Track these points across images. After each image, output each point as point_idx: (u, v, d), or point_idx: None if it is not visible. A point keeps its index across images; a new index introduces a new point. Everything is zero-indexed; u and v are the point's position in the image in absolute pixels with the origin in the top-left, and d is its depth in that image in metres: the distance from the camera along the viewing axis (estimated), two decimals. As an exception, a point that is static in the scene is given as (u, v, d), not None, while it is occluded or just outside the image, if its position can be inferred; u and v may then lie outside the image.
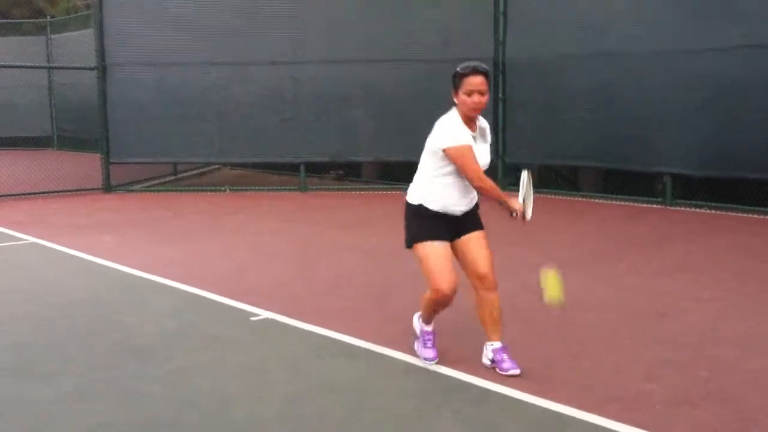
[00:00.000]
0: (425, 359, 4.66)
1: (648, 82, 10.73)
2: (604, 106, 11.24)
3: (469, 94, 4.35)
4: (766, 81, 9.65)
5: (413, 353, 4.80)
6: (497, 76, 12.34)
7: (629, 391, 4.23)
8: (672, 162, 10.61)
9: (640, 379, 4.40)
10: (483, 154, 4.51)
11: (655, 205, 10.73)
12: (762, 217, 9.70)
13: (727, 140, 10.05)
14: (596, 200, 11.53)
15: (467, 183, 4.48)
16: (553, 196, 11.99)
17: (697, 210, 10.34)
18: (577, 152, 11.66)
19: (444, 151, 4.40)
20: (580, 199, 11.74)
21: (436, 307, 4.57)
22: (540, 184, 13.02)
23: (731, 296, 6.16)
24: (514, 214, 4.51)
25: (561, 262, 7.33)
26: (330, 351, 4.98)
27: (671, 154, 10.60)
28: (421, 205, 4.53)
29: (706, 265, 7.26)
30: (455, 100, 4.44)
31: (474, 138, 4.46)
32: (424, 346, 4.72)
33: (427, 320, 4.75)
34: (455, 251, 4.56)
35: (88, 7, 20.43)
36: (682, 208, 10.47)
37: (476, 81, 4.35)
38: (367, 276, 6.94)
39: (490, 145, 4.66)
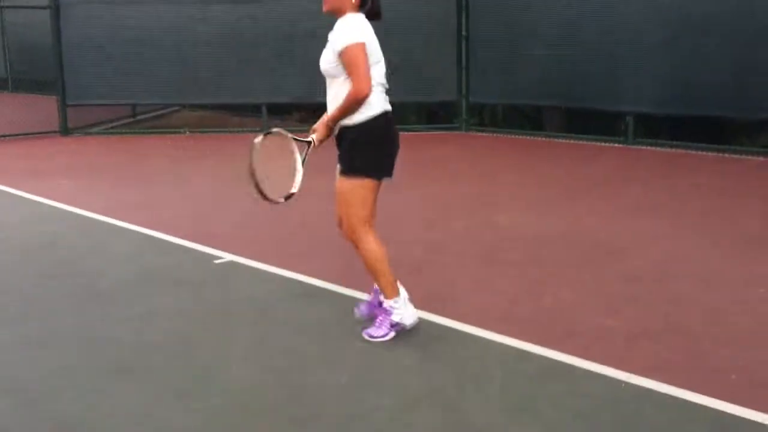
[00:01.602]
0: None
1: (612, 19, 10.67)
2: (567, 44, 11.18)
3: None
4: (728, 18, 9.65)
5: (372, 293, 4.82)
6: (460, 13, 12.19)
7: (591, 326, 4.31)
8: (634, 100, 10.64)
9: (601, 314, 4.48)
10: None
11: (617, 145, 10.80)
12: (722, 155, 9.81)
13: (689, 78, 10.07)
14: (559, 140, 11.58)
15: (336, 92, 4.07)
16: (516, 137, 12.01)
17: (659, 149, 10.43)
18: (541, 91, 11.63)
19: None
20: (544, 139, 11.77)
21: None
22: (504, 123, 13.07)
23: (690, 233, 6.26)
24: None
25: (523, 201, 7.44)
26: (292, 292, 5.00)
27: (634, 92, 10.61)
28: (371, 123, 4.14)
29: (665, 204, 7.36)
30: None
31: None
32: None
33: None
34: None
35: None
36: (645, 147, 10.56)
37: None
38: (327, 220, 6.91)
39: (337, 51, 3.98)
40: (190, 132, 12.97)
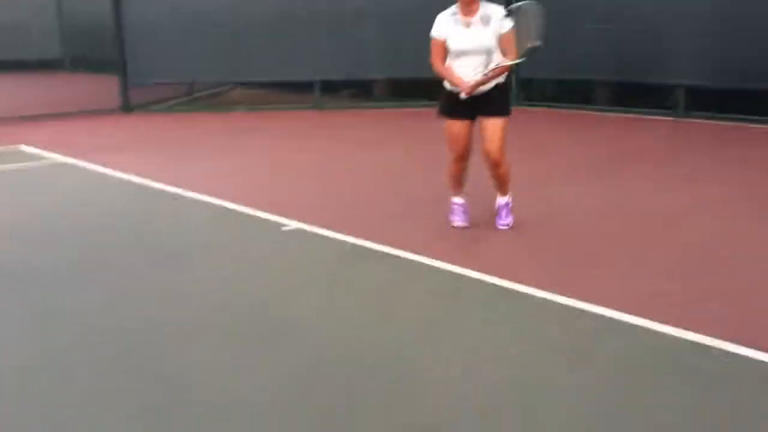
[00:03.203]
0: (453, 221, 5.74)
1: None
2: (616, 18, 11.23)
3: None
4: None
5: (440, 257, 5.06)
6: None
7: (642, 291, 4.49)
8: (685, 74, 10.66)
9: (653, 280, 4.67)
10: (470, 39, 5.27)
11: (667, 117, 10.85)
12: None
13: (739, 51, 10.07)
14: (609, 114, 11.65)
15: (476, 66, 5.28)
16: (566, 110, 12.11)
17: (710, 122, 10.45)
18: (591, 66, 11.70)
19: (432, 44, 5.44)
20: (593, 113, 11.85)
21: (452, 166, 5.65)
22: (553, 98, 13.15)
23: (738, 204, 6.39)
24: (462, 94, 5.27)
25: (571, 173, 7.61)
26: (359, 256, 5.27)
27: (684, 65, 10.64)
28: (443, 85, 5.52)
29: (713, 175, 7.47)
30: None
31: (467, 23, 5.28)
32: (453, 213, 5.76)
33: (453, 188, 5.75)
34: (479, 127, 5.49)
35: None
36: (695, 120, 10.59)
37: None
38: (388, 189, 7.19)
39: (504, 32, 5.27)
40: (246, 109, 13.31)
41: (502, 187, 5.67)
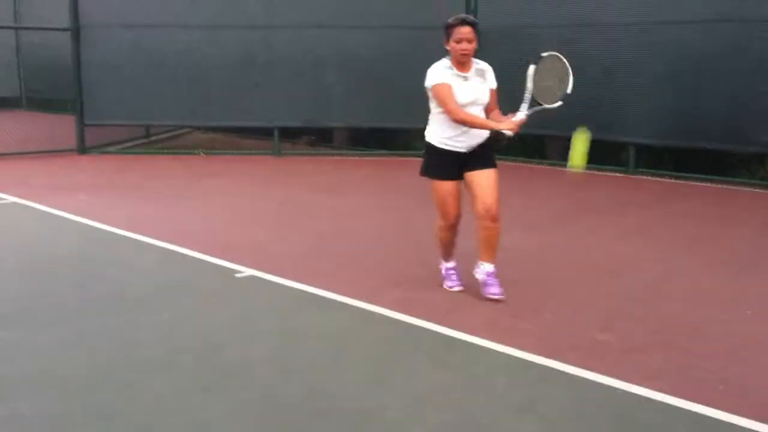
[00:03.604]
0: (449, 286, 5.51)
1: (614, 52, 11.07)
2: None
3: (458, 41, 5.06)
4: (727, 54, 10.05)
5: (390, 306, 5.14)
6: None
7: (588, 340, 4.63)
8: (635, 131, 11.01)
9: (596, 329, 4.81)
10: (471, 92, 5.18)
11: (618, 174, 11.16)
12: (721, 186, 10.16)
13: (688, 111, 10.47)
14: (562, 168, 11.93)
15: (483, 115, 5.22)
16: (519, 164, 12.37)
17: (659, 179, 10.78)
18: (544, 121, 11.95)
19: (429, 90, 5.16)
20: (547, 166, 12.14)
21: (443, 233, 5.42)
22: (507, 152, 13.42)
23: (682, 256, 6.61)
24: (508, 136, 5.13)
25: (523, 223, 7.78)
26: (311, 304, 5.32)
27: (635, 123, 11.00)
28: (429, 143, 5.31)
29: (660, 229, 7.71)
30: (447, 48, 5.15)
31: (465, 78, 5.16)
32: (448, 279, 5.54)
33: (444, 256, 5.56)
34: (466, 183, 5.28)
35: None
36: (645, 177, 10.91)
37: (464, 30, 5.07)
38: (342, 236, 7.27)
39: (493, 88, 5.39)
40: (204, 153, 13.35)
41: (492, 250, 5.26)
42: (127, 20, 12.97)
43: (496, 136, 5.11)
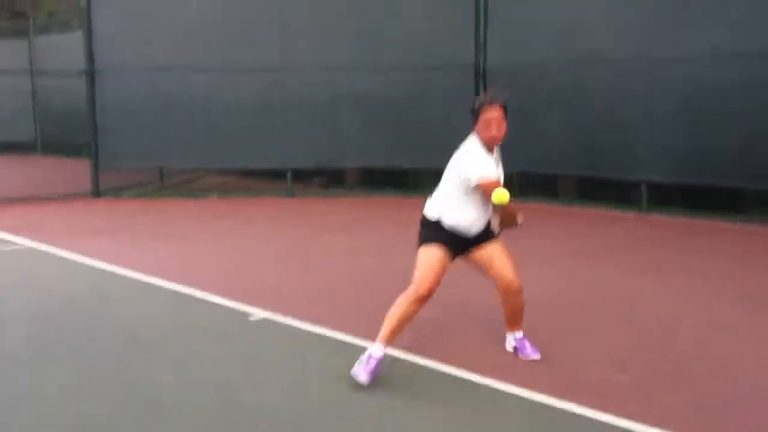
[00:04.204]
0: (365, 380, 4.55)
1: (626, 88, 11.08)
2: (581, 112, 11.61)
3: (488, 124, 4.65)
4: (740, 89, 10.00)
5: (405, 348, 5.13)
6: (478, 82, 12.71)
7: (600, 380, 4.60)
8: (647, 169, 10.98)
9: (611, 369, 4.78)
10: (501, 176, 4.84)
11: (630, 212, 11.14)
12: (736, 224, 10.09)
13: (701, 148, 10.42)
14: (573, 207, 11.93)
15: (488, 207, 4.83)
16: (530, 203, 12.35)
17: (673, 217, 10.75)
18: (555, 160, 12.03)
19: (477, 186, 4.65)
20: (558, 206, 12.13)
21: (413, 307, 4.68)
22: (518, 191, 13.44)
23: (697, 293, 6.58)
24: (519, 223, 5.01)
25: (537, 260, 7.76)
26: (325, 346, 5.32)
27: (647, 161, 10.97)
28: (435, 220, 4.77)
29: (675, 266, 7.68)
30: (474, 128, 4.75)
31: (495, 162, 4.80)
32: (370, 369, 4.58)
33: (391, 338, 4.72)
34: (474, 262, 4.93)
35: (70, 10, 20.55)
36: (657, 215, 10.88)
37: (494, 113, 4.65)
38: (356, 275, 7.28)
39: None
40: (218, 195, 13.43)
41: (519, 317, 5.05)
42: (142, 63, 13.15)
43: (512, 221, 4.99)
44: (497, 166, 4.81)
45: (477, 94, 12.73)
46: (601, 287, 6.88)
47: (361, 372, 4.54)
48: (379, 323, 5.45)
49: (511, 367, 4.83)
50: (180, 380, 4.67)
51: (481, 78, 12.74)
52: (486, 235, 4.91)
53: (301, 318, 5.87)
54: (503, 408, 4.25)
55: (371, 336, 5.31)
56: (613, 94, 11.23)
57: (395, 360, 4.99)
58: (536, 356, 5.01)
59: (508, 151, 13.62)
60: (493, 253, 4.86)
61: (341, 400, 4.35)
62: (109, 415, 4.14)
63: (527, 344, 5.08)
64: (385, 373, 4.70)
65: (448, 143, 13.66)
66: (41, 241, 9.06)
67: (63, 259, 8.22)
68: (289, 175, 13.40)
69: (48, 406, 4.28)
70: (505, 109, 4.69)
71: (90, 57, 13.25)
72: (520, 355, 5.04)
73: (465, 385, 4.58)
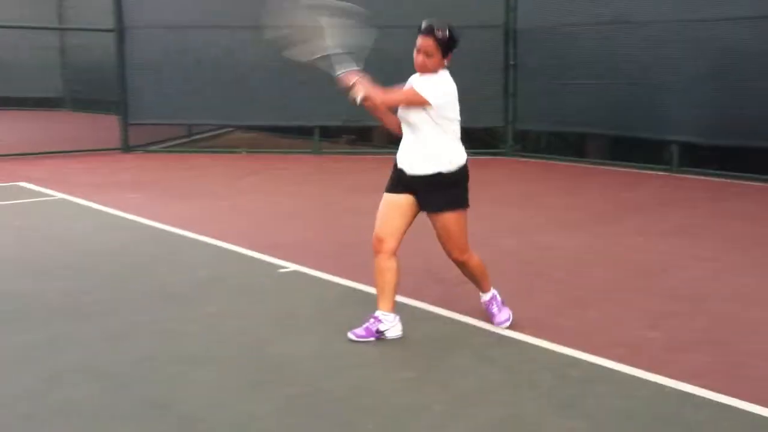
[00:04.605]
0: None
1: (657, 50, 10.95)
2: (612, 73, 11.48)
3: (417, 52, 4.46)
4: (768, 50, 9.89)
5: (428, 301, 5.15)
6: (507, 43, 12.59)
7: (633, 337, 4.60)
8: (679, 130, 10.86)
9: (643, 327, 4.77)
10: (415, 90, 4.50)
11: (661, 173, 11.03)
12: (765, 185, 9.98)
13: (734, 109, 10.29)
14: (604, 167, 11.84)
15: (415, 138, 4.54)
16: (561, 163, 12.28)
17: (704, 177, 10.63)
18: (586, 119, 11.93)
19: (440, 105, 4.49)
20: (588, 165, 12.04)
21: (375, 260, 4.55)
22: (546, 150, 13.36)
23: (730, 256, 6.51)
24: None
25: (565, 222, 7.74)
26: (354, 299, 5.35)
27: (679, 121, 10.85)
28: (463, 166, 4.59)
29: (707, 228, 7.61)
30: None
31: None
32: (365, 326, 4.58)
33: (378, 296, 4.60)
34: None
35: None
36: (688, 176, 10.77)
37: (418, 41, 4.45)
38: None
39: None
40: (245, 152, 13.48)
41: (477, 283, 4.81)
42: (170, 21, 13.14)
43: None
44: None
45: (506, 54, 12.63)
46: (631, 248, 6.83)
47: (360, 332, 4.51)
48: (407, 279, 5.45)
49: (543, 322, 4.83)
50: (211, 332, 4.72)
51: (511, 38, 12.59)
52: (437, 195, 4.48)
53: (331, 272, 5.90)
54: (533, 361, 4.26)
55: (399, 290, 5.35)
56: (645, 55, 11.08)
57: (425, 314, 5.01)
58: (501, 322, 4.71)
59: (540, 110, 13.60)
60: (436, 226, 4.56)
61: (372, 354, 4.38)
62: (139, 366, 4.18)
63: (494, 307, 4.76)
64: (414, 328, 4.73)
65: (474, 103, 13.65)
66: (73, 193, 9.15)
67: (95, 211, 8.31)
68: (316, 132, 13.39)
69: (81, 354, 4.35)
70: (435, 39, 4.42)
71: (119, 15, 13.25)
72: (491, 320, 4.77)
73: (495, 339, 4.59)
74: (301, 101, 13.05)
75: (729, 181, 10.37)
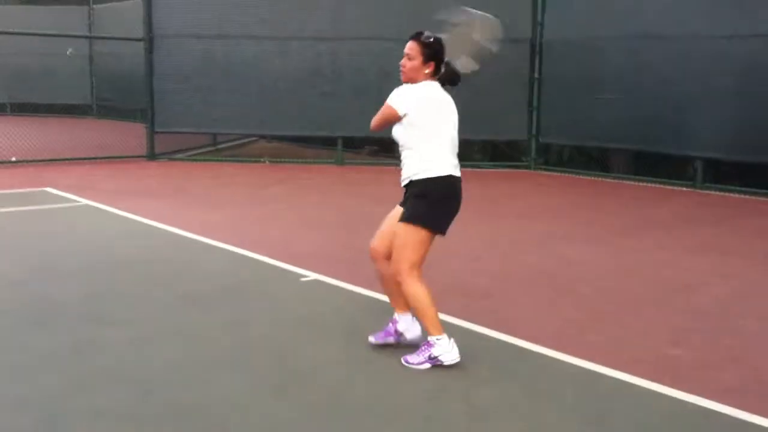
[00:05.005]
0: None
1: (682, 65, 10.93)
2: (637, 88, 11.47)
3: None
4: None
5: (451, 313, 5.14)
6: (533, 56, 12.60)
7: (657, 354, 4.56)
8: (703, 145, 10.81)
9: (666, 344, 4.73)
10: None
11: (684, 188, 10.96)
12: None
13: (758, 125, 10.24)
14: (626, 182, 11.78)
15: (403, 152, 4.40)
16: (584, 177, 12.24)
17: (728, 194, 10.55)
18: (610, 134, 11.90)
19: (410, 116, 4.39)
20: (611, 180, 11.99)
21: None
22: (570, 164, 13.33)
23: (756, 274, 6.45)
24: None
25: (589, 236, 7.70)
26: (375, 308, 5.35)
27: (703, 137, 10.80)
28: (436, 177, 4.37)
29: (732, 245, 7.54)
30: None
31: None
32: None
33: (437, 326, 4.39)
34: None
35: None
36: (712, 192, 10.69)
37: (406, 48, 4.40)
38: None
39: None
40: (269, 161, 13.55)
41: (397, 303, 4.55)
42: (198, 31, 13.29)
43: None
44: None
45: (532, 67, 12.64)
46: (655, 264, 6.79)
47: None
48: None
49: (565, 336, 4.82)
50: (235, 338, 4.74)
51: (537, 52, 12.61)
52: (405, 197, 4.41)
53: (352, 281, 5.91)
54: (556, 376, 4.24)
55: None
56: (670, 70, 11.05)
57: (447, 326, 4.99)
58: (378, 341, 4.56)
59: (564, 124, 13.59)
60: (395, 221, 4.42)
61: (392, 363, 4.38)
62: (164, 371, 4.22)
63: (390, 328, 4.58)
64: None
65: (500, 116, 13.65)
66: (98, 200, 9.24)
67: (121, 218, 8.38)
68: (339, 142, 13.45)
69: (105, 359, 4.39)
70: (419, 43, 4.39)
71: (149, 24, 13.42)
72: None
73: (517, 352, 4.58)
74: (325, 112, 13.14)
75: (751, 197, 10.28)
